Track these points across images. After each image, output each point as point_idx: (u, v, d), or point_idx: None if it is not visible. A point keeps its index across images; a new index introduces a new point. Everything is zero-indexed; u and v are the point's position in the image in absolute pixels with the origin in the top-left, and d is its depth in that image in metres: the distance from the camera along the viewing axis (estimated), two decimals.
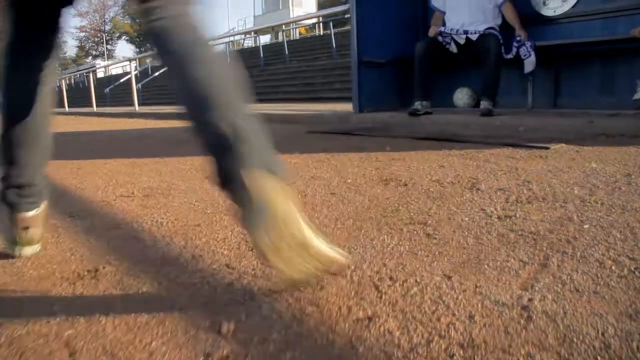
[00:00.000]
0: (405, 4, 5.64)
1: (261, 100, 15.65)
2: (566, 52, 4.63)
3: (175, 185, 2.21)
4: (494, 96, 4.35)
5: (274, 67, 18.91)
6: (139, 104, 23.11)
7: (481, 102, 4.34)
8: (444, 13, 4.93)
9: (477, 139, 3.30)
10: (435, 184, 1.96)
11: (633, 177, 1.97)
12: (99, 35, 65.18)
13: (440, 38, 4.69)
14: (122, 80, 28.90)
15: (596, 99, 4.61)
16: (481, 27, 4.55)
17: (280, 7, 31.98)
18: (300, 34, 31.99)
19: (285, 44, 19.00)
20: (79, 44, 66.42)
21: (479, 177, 2.05)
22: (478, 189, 1.84)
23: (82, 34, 65.38)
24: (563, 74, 4.81)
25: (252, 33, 34.54)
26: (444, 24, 4.91)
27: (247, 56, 23.13)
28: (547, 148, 2.80)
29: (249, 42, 36.42)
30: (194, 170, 2.59)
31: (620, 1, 4.44)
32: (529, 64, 4.46)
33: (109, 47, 66.26)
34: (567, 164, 2.31)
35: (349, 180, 2.10)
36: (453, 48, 4.70)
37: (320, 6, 38.71)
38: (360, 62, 5.17)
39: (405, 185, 1.96)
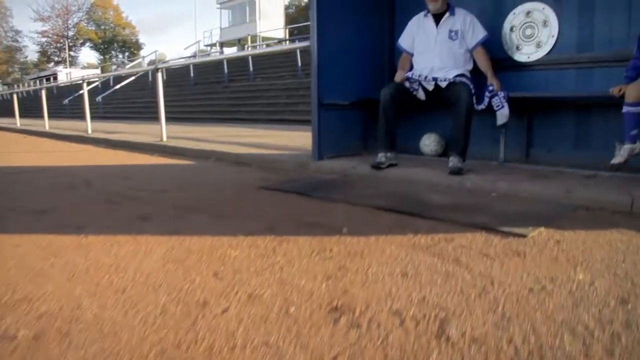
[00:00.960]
0: (372, 42, 5.31)
1: (224, 120, 15.26)
2: (540, 102, 4.36)
3: (85, 309, 1.78)
4: (464, 152, 4.02)
5: (238, 84, 18.55)
6: (100, 116, 22.51)
7: (450, 159, 4.01)
8: (411, 55, 4.62)
9: (445, 213, 2.96)
10: (396, 321, 1.60)
11: (630, 306, 1.65)
12: (61, 41, 63.73)
13: (407, 84, 4.36)
14: (82, 92, 28.19)
15: (571, 153, 4.35)
16: (451, 74, 4.24)
17: (247, 21, 31.55)
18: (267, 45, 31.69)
19: (250, 60, 18.59)
20: (41, 49, 64.83)
21: (448, 307, 1.70)
22: (448, 339, 1.48)
23: (44, 39, 63.86)
24: (536, 123, 4.54)
25: (218, 46, 34.35)
26: (411, 67, 4.61)
27: (212, 70, 22.71)
28: (525, 236, 2.48)
29: (215, 51, 35.99)
30: (132, 271, 2.17)
31: (596, 51, 4.20)
32: (502, 116, 4.18)
33: (72, 53, 64.85)
34: (549, 271, 1.98)
35: (291, 310, 1.72)
36: (421, 95, 4.38)
37: (288, 20, 38.48)
38: (321, 105, 4.81)
39: (359, 326, 1.58)
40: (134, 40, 67.17)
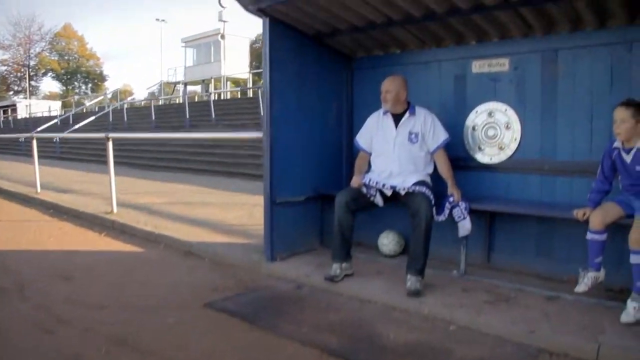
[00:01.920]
0: (329, 131, 5.12)
1: (184, 170, 14.92)
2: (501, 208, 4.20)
3: None
4: (422, 270, 3.79)
5: (200, 131, 18.20)
6: (57, 157, 21.89)
7: (408, 277, 3.77)
8: (369, 154, 4.43)
9: None
10: None
11: None
12: (22, 70, 62.53)
13: (364, 189, 4.14)
14: (40, 129, 27.43)
15: (532, 261, 4.19)
16: (410, 181, 4.02)
17: (212, 60, 31.34)
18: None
19: (212, 106, 18.36)
20: (0, 78, 63.47)
21: None
22: None
23: (4, 68, 62.56)
24: (498, 227, 4.37)
25: (181, 86, 34.04)
26: (369, 167, 4.42)
27: (173, 113, 22.38)
28: None
29: (179, 87, 35.61)
30: None
31: (559, 159, 4.09)
32: (463, 228, 4.00)
33: (33, 83, 63.65)
34: None
35: None
36: (379, 201, 4.16)
37: (255, 55, 38.45)
38: (274, 204, 4.56)
39: None
40: (98, 71, 66.34)
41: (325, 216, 4.99)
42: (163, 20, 45.95)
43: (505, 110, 4.31)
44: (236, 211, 7.49)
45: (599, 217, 3.30)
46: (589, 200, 3.48)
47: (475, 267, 4.34)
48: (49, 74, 64.35)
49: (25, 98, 55.07)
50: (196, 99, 27.43)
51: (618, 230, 3.33)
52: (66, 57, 63.65)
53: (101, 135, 7.52)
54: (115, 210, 7.22)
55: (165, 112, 23.27)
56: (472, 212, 4.01)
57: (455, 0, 3.80)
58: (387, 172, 4.17)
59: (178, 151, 16.53)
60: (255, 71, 29.18)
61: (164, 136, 7.34)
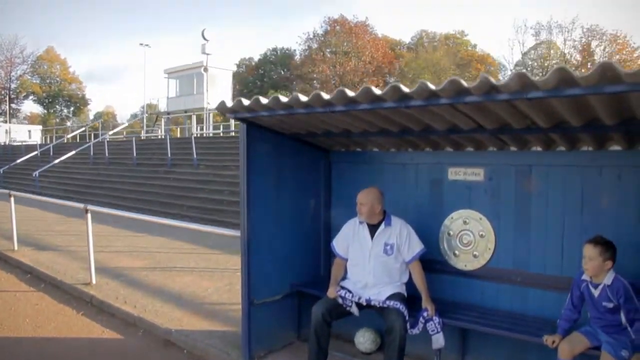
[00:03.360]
0: (307, 222, 5.17)
1: (164, 214, 14.83)
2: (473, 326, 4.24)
3: None
4: None
5: (181, 170, 18.28)
6: (36, 192, 21.67)
7: None
8: (346, 260, 4.49)
9: None
10: None
11: None
12: (2, 92, 62.03)
13: (340, 300, 4.20)
14: (19, 161, 27.26)
15: None
16: (384, 294, 4.11)
17: (195, 92, 31.39)
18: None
19: (194, 145, 18.36)
20: None
21: None
22: None
23: None
24: (471, 341, 4.41)
25: (163, 119, 34.03)
26: (346, 273, 4.48)
27: (155, 149, 22.32)
28: None
29: (159, 124, 35.50)
30: None
31: (531, 271, 4.18)
32: (437, 342, 4.05)
33: (13, 105, 63.14)
34: None
35: None
36: (355, 310, 4.21)
37: (238, 79, 38.53)
38: (252, 305, 4.59)
39: None
40: (81, 95, 66.07)
41: (302, 310, 5.01)
42: (147, 45, 45.77)
43: (480, 219, 4.40)
44: (217, 280, 7.49)
45: (567, 348, 3.39)
46: (558, 326, 3.57)
47: None
48: (30, 97, 63.96)
49: (5, 122, 54.60)
50: (178, 133, 27.48)
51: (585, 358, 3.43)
52: (48, 81, 63.39)
53: (80, 205, 7.48)
54: (94, 280, 7.17)
55: (147, 147, 23.19)
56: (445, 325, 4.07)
57: (430, 122, 3.90)
58: (363, 282, 4.25)
59: (160, 193, 16.50)
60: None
61: (143, 218, 7.27)
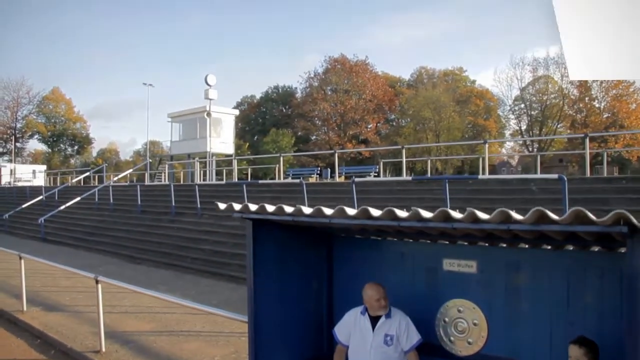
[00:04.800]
0: (310, 305, 5.42)
1: (169, 266, 15.10)
2: None
3: None
4: None
5: (185, 220, 18.55)
6: (41, 238, 21.91)
7: None
8: (347, 347, 4.74)
9: None
10: None
11: None
12: (8, 132, 62.82)
13: None
14: (24, 206, 27.55)
15: None
16: None
17: (198, 137, 31.89)
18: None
19: (197, 192, 18.66)
20: None
21: None
22: None
23: None
24: None
25: (167, 164, 34.48)
26: (346, 357, 4.73)
27: (159, 195, 22.64)
28: None
29: (161, 167, 36.01)
30: None
31: (523, 359, 4.39)
32: None
33: (18, 145, 63.86)
34: None
35: None
36: None
37: (241, 117, 39.05)
38: None
39: None
40: (85, 134, 66.84)
41: None
42: (150, 85, 46.74)
43: (474, 308, 4.65)
44: (222, 346, 7.70)
45: None
46: None
47: None
48: (35, 136, 64.75)
49: (10, 161, 55.17)
50: (181, 179, 27.81)
51: None
52: (53, 120, 64.26)
53: (90, 275, 7.76)
54: (104, 348, 7.40)
55: (151, 193, 23.52)
56: None
57: (423, 228, 4.18)
58: None
59: (164, 243, 16.75)
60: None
61: (152, 294, 7.50)
